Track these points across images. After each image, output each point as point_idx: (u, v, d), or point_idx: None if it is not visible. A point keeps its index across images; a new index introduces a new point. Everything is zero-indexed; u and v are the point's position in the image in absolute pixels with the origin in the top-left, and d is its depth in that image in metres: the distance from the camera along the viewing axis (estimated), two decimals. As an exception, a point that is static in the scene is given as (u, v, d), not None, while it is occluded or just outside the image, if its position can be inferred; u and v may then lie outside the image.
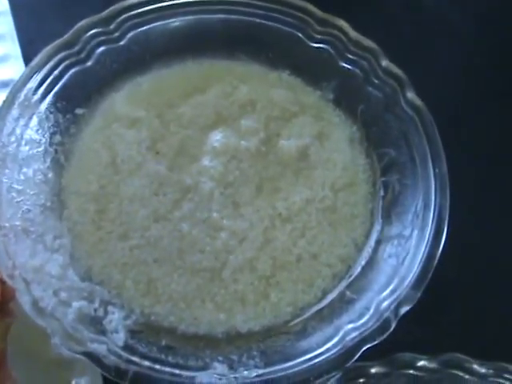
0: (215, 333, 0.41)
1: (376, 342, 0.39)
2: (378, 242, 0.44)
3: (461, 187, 0.44)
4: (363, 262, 0.44)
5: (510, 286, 0.47)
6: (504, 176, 0.53)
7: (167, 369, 0.38)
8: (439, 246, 0.42)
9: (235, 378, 0.38)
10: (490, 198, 0.51)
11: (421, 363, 0.38)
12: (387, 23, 0.59)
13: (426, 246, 0.42)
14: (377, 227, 0.45)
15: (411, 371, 0.39)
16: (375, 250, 0.44)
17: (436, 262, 0.41)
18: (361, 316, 0.40)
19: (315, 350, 0.39)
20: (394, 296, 0.40)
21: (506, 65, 0.59)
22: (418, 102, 0.47)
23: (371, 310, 0.40)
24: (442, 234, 0.42)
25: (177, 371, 0.38)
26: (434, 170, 0.44)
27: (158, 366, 0.38)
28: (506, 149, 0.54)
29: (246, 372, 0.38)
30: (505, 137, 0.55)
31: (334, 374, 0.38)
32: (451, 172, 0.44)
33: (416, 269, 0.41)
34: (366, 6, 0.61)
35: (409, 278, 0.41)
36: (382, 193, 0.46)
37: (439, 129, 0.46)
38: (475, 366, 0.39)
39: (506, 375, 0.38)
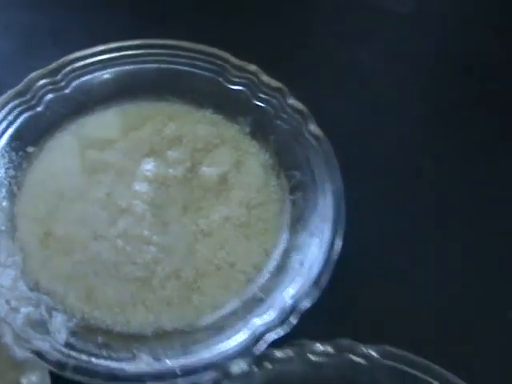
0: (145, 332, 0.48)
1: (282, 334, 0.45)
2: (286, 251, 0.51)
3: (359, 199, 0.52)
4: (272, 268, 0.51)
5: (395, 280, 0.53)
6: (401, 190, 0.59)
7: (102, 361, 0.45)
8: (336, 252, 0.49)
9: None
10: (388, 210, 0.57)
11: (317, 348, 0.45)
12: (303, 67, 0.67)
13: (324, 253, 0.49)
14: (285, 238, 0.52)
15: (310, 356, 0.45)
16: (283, 257, 0.51)
17: (333, 266, 0.48)
18: (267, 312, 0.47)
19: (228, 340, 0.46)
20: (297, 295, 0.47)
21: (412, 103, 0.65)
22: (319, 132, 0.55)
23: (277, 307, 0.47)
24: (339, 242, 0.49)
25: (109, 362, 0.45)
26: (332, 188, 0.52)
27: (93, 360, 0.45)
28: (403, 166, 0.60)
29: (168, 361, 0.45)
30: (402, 154, 0.61)
31: (244, 358, 0.44)
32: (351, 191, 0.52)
33: (316, 271, 0.48)
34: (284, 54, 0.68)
35: (310, 280, 0.48)
36: (289, 209, 0.54)
37: (340, 153, 0.54)
38: (364, 350, 0.45)
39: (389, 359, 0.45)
